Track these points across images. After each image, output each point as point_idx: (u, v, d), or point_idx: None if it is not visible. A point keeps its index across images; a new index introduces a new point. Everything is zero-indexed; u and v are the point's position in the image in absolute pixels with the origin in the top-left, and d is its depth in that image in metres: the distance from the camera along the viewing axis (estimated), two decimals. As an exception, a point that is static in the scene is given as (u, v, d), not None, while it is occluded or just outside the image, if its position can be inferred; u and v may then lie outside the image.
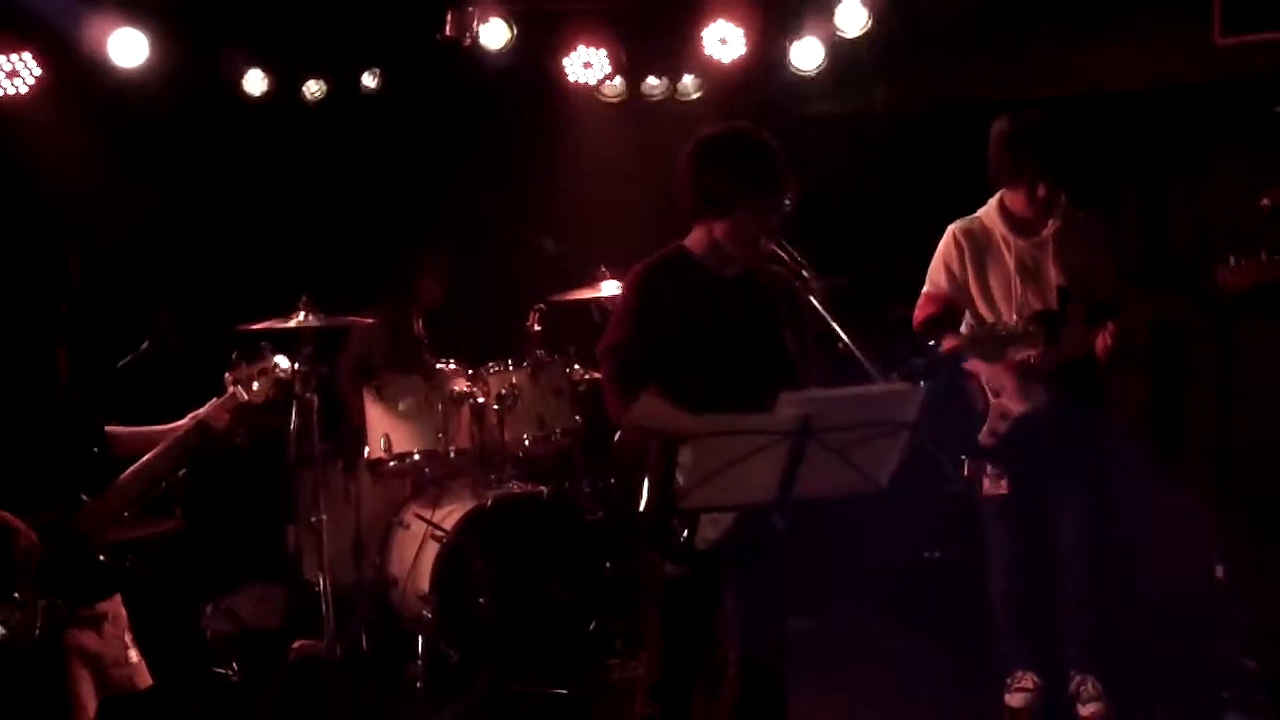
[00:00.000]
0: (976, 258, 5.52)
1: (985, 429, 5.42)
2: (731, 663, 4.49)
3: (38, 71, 6.56)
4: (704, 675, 4.52)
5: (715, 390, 4.17)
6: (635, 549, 5.79)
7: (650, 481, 4.25)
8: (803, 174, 4.34)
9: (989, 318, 5.42)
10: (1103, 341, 5.24)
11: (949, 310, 5.55)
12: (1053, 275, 5.42)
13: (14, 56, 6.50)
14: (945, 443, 5.50)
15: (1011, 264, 5.46)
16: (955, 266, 5.55)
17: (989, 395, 5.43)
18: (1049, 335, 5.26)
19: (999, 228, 5.52)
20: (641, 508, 4.31)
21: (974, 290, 5.51)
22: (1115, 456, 5.56)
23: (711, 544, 4.16)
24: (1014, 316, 5.33)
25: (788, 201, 4.29)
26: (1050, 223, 5.46)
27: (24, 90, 6.56)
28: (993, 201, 5.57)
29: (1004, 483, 5.43)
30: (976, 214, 5.60)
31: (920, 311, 5.64)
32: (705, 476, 3.76)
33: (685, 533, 4.16)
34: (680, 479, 3.98)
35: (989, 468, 5.44)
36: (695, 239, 4.45)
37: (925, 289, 5.66)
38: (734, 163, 4.27)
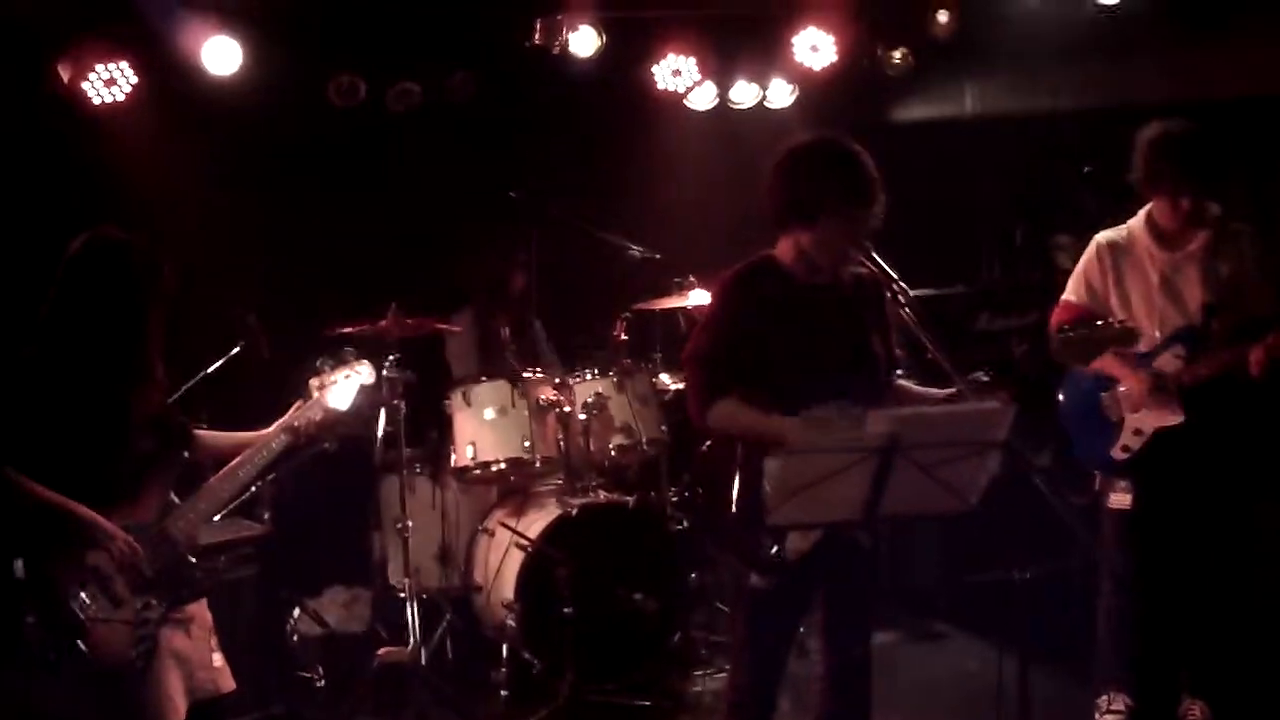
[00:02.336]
0: (1118, 269, 5.34)
1: (1119, 443, 5.28)
2: (818, 676, 4.46)
3: (134, 80, 6.63)
4: (790, 688, 4.48)
5: (802, 400, 4.14)
6: (720, 559, 5.78)
7: (738, 492, 4.22)
8: (892, 181, 4.29)
9: None
10: (1256, 357, 4.99)
11: (1082, 321, 5.36)
12: (1197, 290, 5.20)
13: (111, 65, 6.57)
14: (1078, 455, 5.41)
15: (1154, 277, 5.27)
16: (1095, 278, 5.38)
17: (1124, 409, 5.28)
18: (1190, 352, 5.12)
19: (1144, 239, 5.32)
20: (729, 518, 4.29)
21: (1114, 302, 5.33)
22: (1251, 478, 5.33)
23: (800, 555, 4.13)
24: (1155, 331, 5.18)
25: (876, 211, 4.25)
26: (1198, 235, 5.23)
27: (121, 98, 6.64)
28: (1142, 212, 5.37)
29: (1129, 499, 5.29)
30: (1126, 224, 5.42)
31: (1054, 318, 5.49)
32: (792, 492, 3.72)
33: (774, 545, 4.13)
34: (768, 492, 3.96)
35: (1117, 482, 5.31)
36: (784, 248, 4.42)
37: (1064, 296, 5.50)
38: (822, 173, 4.24)
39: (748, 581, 4.29)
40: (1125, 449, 5.25)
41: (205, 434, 4.51)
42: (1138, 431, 5.23)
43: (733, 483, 4.27)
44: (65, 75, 6.54)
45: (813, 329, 4.32)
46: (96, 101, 6.61)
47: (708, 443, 4.67)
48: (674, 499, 6.86)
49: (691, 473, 6.74)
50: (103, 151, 6.82)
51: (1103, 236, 5.43)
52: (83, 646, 3.83)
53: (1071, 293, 5.47)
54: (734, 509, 4.26)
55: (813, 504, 3.74)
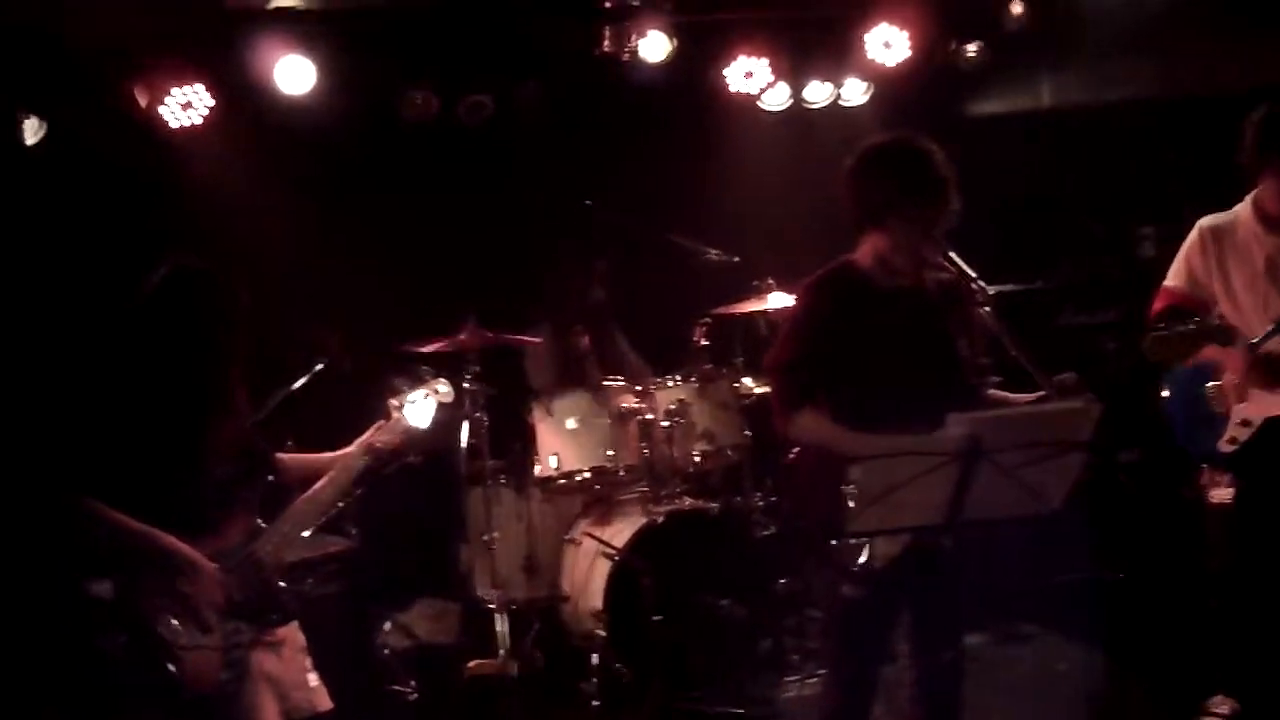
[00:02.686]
0: (1221, 255, 5.21)
1: (1225, 436, 5.15)
2: (908, 681, 4.41)
3: (210, 103, 6.69)
4: (881, 693, 4.43)
5: (888, 405, 4.10)
6: (808, 565, 5.73)
7: (824, 499, 4.18)
8: (969, 177, 4.23)
9: (1234, 318, 5.14)
10: None
11: (1180, 309, 5.21)
12: None
13: (187, 89, 6.64)
14: (1185, 449, 5.30)
15: (1259, 262, 5.14)
16: (1198, 264, 5.26)
17: (1230, 400, 5.14)
18: None
19: (1250, 224, 5.20)
20: (816, 526, 4.25)
21: (1218, 289, 5.21)
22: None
23: (888, 562, 4.08)
24: (1264, 318, 5.04)
25: (949, 210, 4.19)
26: None
27: (198, 122, 6.70)
28: (1248, 197, 5.25)
29: (1230, 494, 5.16)
30: (1231, 210, 5.29)
31: (1154, 305, 5.37)
32: (875, 498, 3.68)
33: (863, 553, 4.08)
34: (852, 499, 3.91)
35: (1220, 477, 5.19)
36: (864, 251, 4.38)
37: (1165, 282, 5.38)
38: (895, 174, 4.20)
39: (839, 590, 4.25)
40: (1232, 441, 5.11)
41: (288, 457, 4.54)
42: (1245, 423, 5.08)
43: (818, 490, 4.24)
44: (142, 100, 6.61)
45: (895, 334, 4.28)
46: (174, 125, 6.67)
47: (793, 450, 4.62)
48: (759, 504, 6.81)
49: (776, 480, 6.69)
50: (181, 175, 6.89)
51: (1206, 221, 5.31)
52: (174, 673, 3.86)
53: (1173, 278, 5.34)
54: (820, 517, 4.22)
55: (895, 510, 3.71)
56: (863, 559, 4.06)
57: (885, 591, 4.19)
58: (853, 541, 4.08)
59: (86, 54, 6.35)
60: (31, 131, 6.51)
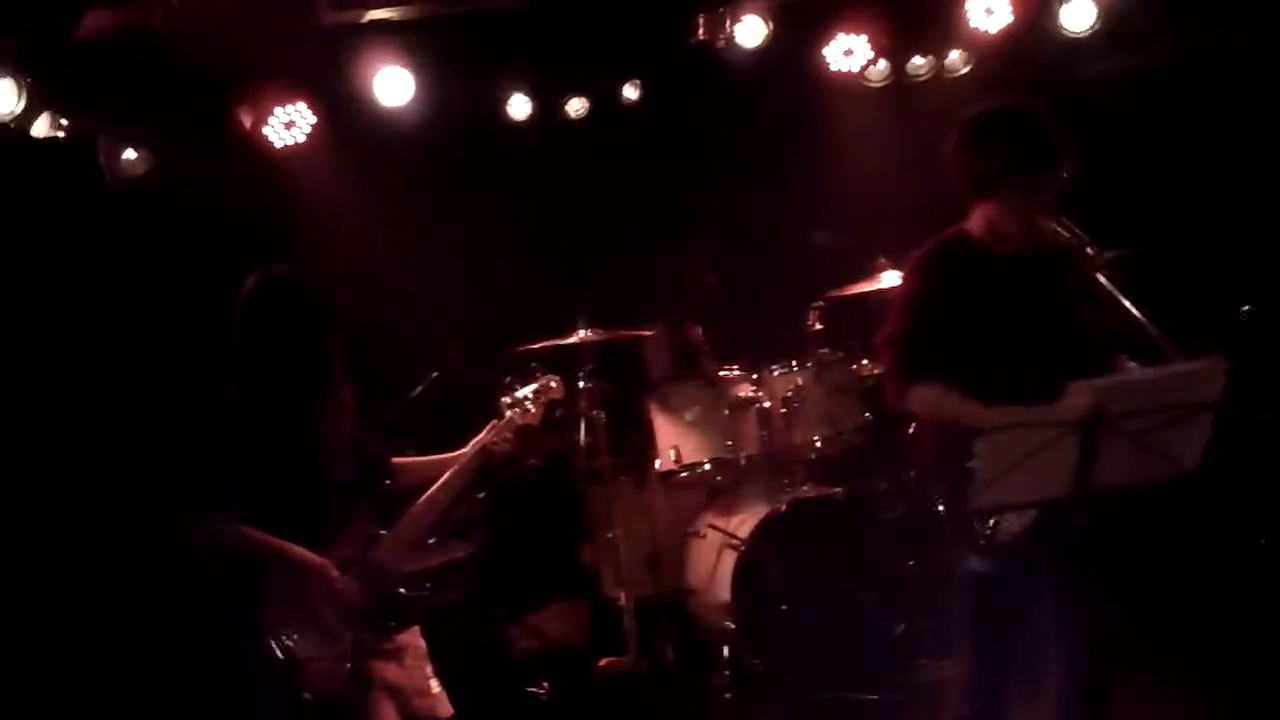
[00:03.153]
0: None
1: None
2: (1051, 659, 4.28)
3: (313, 120, 6.74)
4: (1022, 672, 4.32)
5: (1007, 375, 4.01)
6: (938, 545, 5.61)
7: (949, 475, 4.09)
8: (1081, 138, 4.10)
9: None
10: None
11: None
12: None
13: (290, 108, 6.70)
14: None
15: None
16: None
17: None
18: None
19: None
20: (942, 503, 4.16)
21: None
22: None
23: (1017, 536, 3.97)
24: None
25: (1060, 173, 4.06)
26: None
27: (302, 139, 6.76)
28: None
29: None
30: None
31: None
32: (1000, 472, 3.58)
33: (990, 526, 3.98)
34: (975, 473, 3.81)
35: None
36: (974, 221, 4.28)
37: None
38: (1001, 141, 4.10)
39: (968, 567, 4.16)
40: None
41: (404, 461, 4.54)
42: None
43: (941, 466, 4.15)
44: (247, 122, 6.69)
45: (1010, 303, 4.17)
46: (279, 145, 6.74)
47: (912, 427, 4.53)
48: (885, 486, 6.69)
49: (900, 458, 6.58)
50: (288, 193, 6.95)
51: None
52: (300, 684, 3.87)
53: None
54: (945, 493, 4.12)
55: (1021, 483, 3.61)
56: (991, 534, 3.96)
57: (1016, 566, 4.07)
58: (980, 516, 3.98)
59: (191, 83, 6.43)
60: (141, 163, 6.63)
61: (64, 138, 4.99)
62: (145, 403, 5.44)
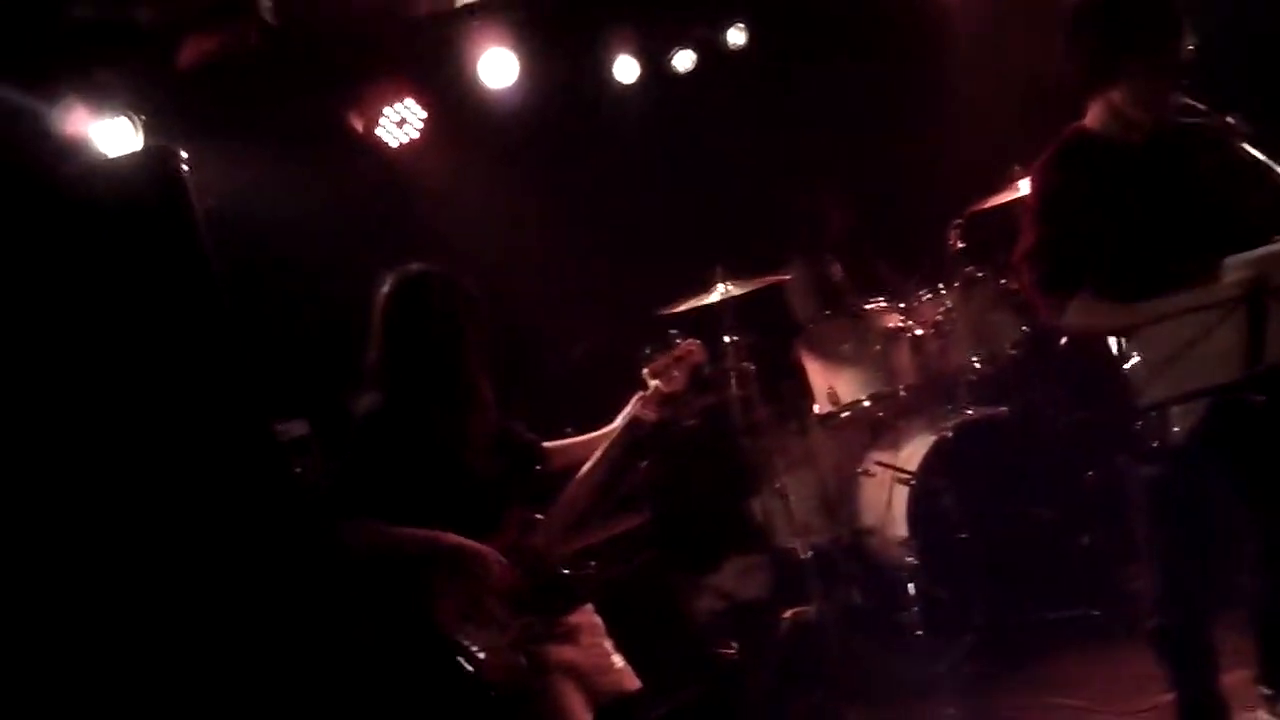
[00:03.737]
0: None
1: None
2: (1245, 559, 4.07)
3: (423, 114, 6.74)
4: (1213, 577, 4.12)
5: (1154, 267, 3.82)
6: (1111, 453, 5.41)
7: (1109, 379, 3.91)
8: (1199, 11, 3.88)
9: None
10: None
11: None
12: None
13: (398, 105, 6.70)
14: None
15: None
16: None
17: None
18: None
19: None
20: (1107, 409, 3.99)
21: None
22: None
23: (1189, 433, 3.78)
24: None
25: (1182, 45, 3.84)
26: None
27: (415, 135, 6.76)
28: None
29: None
30: None
31: None
32: (1161, 367, 3.42)
33: (1156, 429, 3.80)
34: (1136, 372, 3.65)
35: None
36: (1094, 114, 4.09)
37: None
38: (1114, 21, 3.89)
39: (1140, 473, 3.98)
40: None
41: (553, 444, 4.51)
42: None
43: (1101, 370, 3.97)
44: (359, 126, 6.71)
45: (1146, 192, 3.97)
46: (394, 145, 6.74)
47: (1064, 338, 4.35)
48: (1051, 398, 6.47)
49: (1062, 368, 6.36)
50: (408, 189, 6.96)
51: None
52: (478, 678, 3.86)
53: None
54: (1108, 398, 3.95)
55: (1186, 374, 3.45)
56: (1160, 435, 3.78)
57: (1192, 466, 3.88)
58: (1147, 418, 3.80)
59: (298, 96, 6.46)
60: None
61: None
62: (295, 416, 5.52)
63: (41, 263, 3.72)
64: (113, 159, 5.13)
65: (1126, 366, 3.77)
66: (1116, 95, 3.95)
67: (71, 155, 5.00)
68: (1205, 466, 3.93)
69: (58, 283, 3.76)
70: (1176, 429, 3.79)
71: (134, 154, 5.09)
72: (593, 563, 4.20)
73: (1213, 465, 3.94)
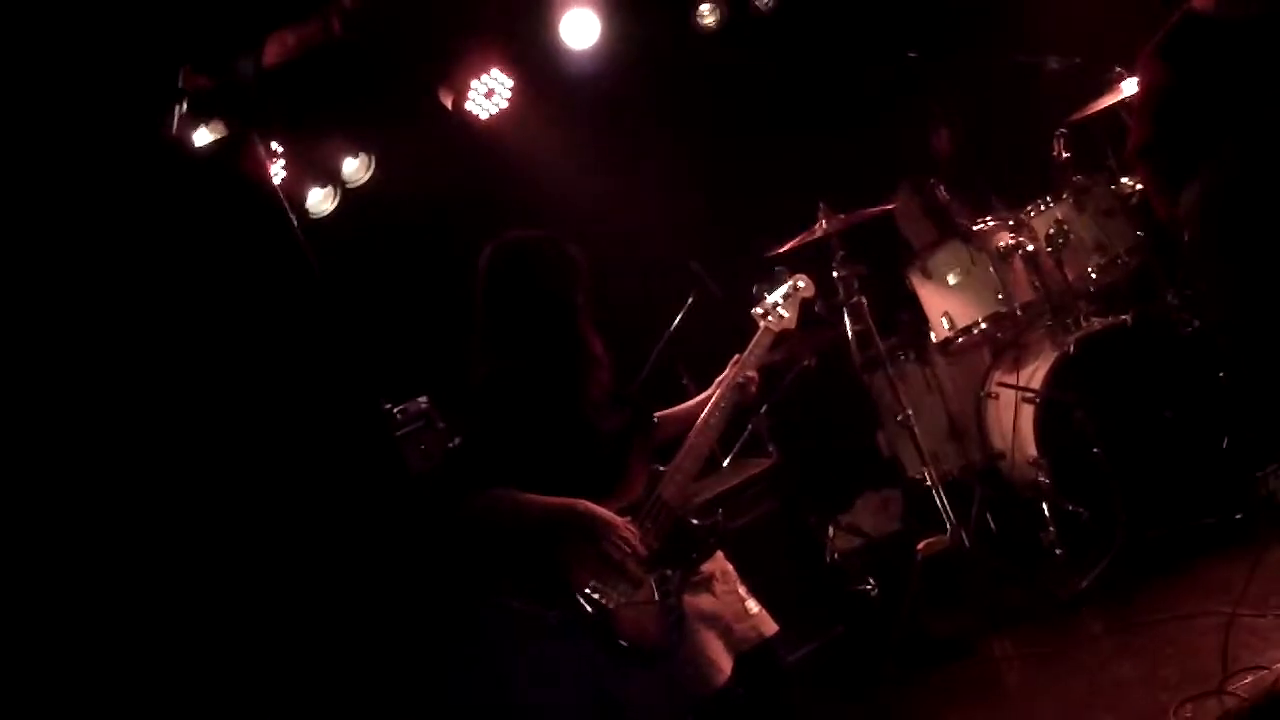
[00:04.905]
0: None
1: None
2: None
3: (510, 83, 6.73)
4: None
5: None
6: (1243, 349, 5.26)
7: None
8: None
9: None
10: None
11: None
12: None
13: (485, 77, 6.69)
14: None
15: None
16: None
17: None
18: None
19: None
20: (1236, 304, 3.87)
21: None
22: None
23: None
24: None
25: None
26: None
27: (505, 105, 6.76)
28: None
29: None
30: None
31: None
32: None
33: None
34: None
35: None
36: None
37: None
38: None
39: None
40: None
41: (666, 413, 4.45)
42: None
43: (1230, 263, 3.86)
44: (449, 102, 6.73)
45: (1264, 68, 3.82)
46: (484, 116, 6.75)
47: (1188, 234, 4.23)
48: (1174, 302, 6.30)
49: (1183, 270, 6.19)
50: (501, 160, 6.97)
51: None
52: (613, 633, 3.87)
53: None
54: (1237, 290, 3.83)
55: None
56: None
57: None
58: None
59: (387, 78, 6.50)
60: (362, 167, 6.76)
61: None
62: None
63: (162, 249, 3.82)
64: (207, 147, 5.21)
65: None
66: None
67: (173, 155, 5.08)
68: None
69: (176, 271, 3.86)
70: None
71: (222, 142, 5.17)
72: (720, 510, 4.17)
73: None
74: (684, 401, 4.51)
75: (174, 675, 3.84)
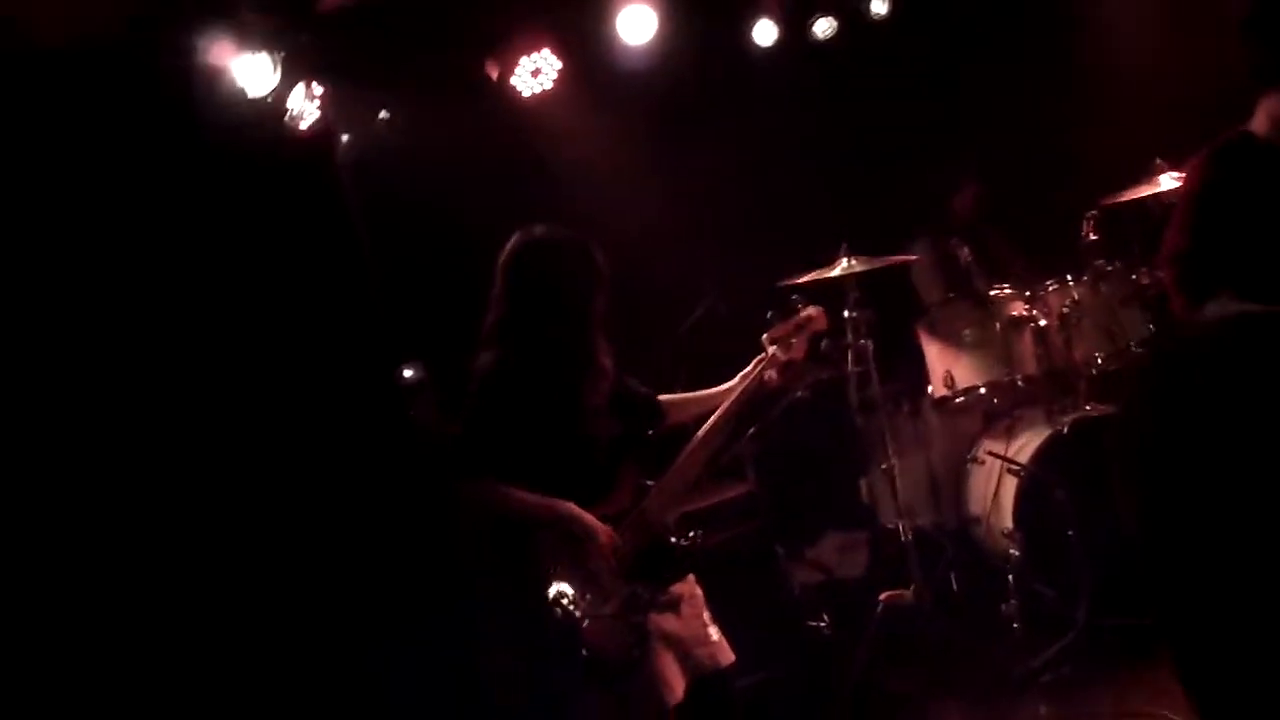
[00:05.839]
0: None
1: None
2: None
3: (558, 65, 6.71)
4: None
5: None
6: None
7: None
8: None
9: None
10: None
11: None
12: None
13: (535, 56, 6.67)
14: None
15: None
16: None
17: None
18: None
19: None
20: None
21: None
22: None
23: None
24: None
25: None
26: None
27: (549, 86, 6.74)
28: None
29: None
30: None
31: None
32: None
33: None
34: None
35: None
36: (1260, 119, 3.98)
37: None
38: None
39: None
40: None
41: (669, 398, 4.49)
42: None
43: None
44: (494, 73, 6.70)
45: None
46: (527, 94, 6.72)
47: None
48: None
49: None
50: (537, 141, 6.95)
51: None
52: (578, 643, 3.87)
53: None
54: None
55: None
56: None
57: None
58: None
59: (435, 41, 6.47)
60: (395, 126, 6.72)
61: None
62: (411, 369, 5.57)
63: (192, 197, 3.81)
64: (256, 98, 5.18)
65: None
66: None
67: (213, 87, 5.05)
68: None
69: (207, 223, 3.85)
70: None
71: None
72: (695, 531, 4.17)
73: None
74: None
75: (178, 626, 3.84)
